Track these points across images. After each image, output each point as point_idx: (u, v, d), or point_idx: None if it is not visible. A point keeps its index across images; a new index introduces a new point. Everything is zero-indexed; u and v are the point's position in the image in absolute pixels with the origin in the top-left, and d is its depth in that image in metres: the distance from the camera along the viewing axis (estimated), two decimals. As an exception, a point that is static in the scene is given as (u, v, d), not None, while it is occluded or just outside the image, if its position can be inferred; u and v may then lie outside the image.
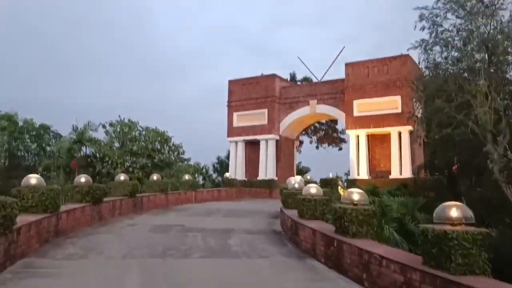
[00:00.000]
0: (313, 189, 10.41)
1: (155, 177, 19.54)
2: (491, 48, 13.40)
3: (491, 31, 13.65)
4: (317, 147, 39.13)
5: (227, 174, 27.66)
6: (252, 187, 29.23)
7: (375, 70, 27.35)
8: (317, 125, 38.07)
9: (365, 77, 27.59)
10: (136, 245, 9.46)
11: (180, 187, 22.10)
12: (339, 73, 31.36)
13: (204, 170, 38.40)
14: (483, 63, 13.20)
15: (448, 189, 18.07)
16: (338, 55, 31.02)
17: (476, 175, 14.68)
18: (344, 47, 31.51)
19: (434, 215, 5.49)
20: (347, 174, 35.20)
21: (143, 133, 25.98)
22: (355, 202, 8.09)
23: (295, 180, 15.86)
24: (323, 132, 38.66)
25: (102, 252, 8.53)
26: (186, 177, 22.57)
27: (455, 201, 5.46)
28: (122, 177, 16.40)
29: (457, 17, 14.13)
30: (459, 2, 13.64)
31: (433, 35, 14.62)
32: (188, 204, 21.28)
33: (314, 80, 32.71)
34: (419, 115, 27.63)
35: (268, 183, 29.82)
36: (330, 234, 8.07)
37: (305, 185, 15.04)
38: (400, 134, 26.38)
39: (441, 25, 14.48)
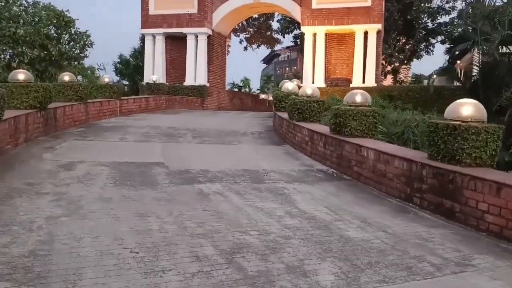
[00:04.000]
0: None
1: (66, 77, 12.58)
2: None
3: None
4: (245, 48, 33.29)
5: (153, 77, 20.85)
6: (178, 95, 23.07)
7: (343, -51, 21.82)
8: (248, 21, 31.76)
9: (329, -42, 22.01)
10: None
11: (96, 94, 15.27)
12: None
13: (89, 72, 30.37)
14: None
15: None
16: None
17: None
18: None
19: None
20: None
21: (30, 10, 17.45)
22: None
23: (310, 88, 10.53)
24: (255, 28, 32.52)
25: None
26: (106, 79, 15.72)
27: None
28: (21, 75, 9.43)
29: None
30: None
31: None
32: (113, 117, 14.85)
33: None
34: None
35: (199, 91, 23.85)
36: None
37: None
38: (366, 34, 21.99)
39: None
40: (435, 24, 32.76)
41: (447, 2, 31.65)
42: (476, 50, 17.89)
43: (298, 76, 68.19)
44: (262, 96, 37.16)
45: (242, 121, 15.75)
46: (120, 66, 31.80)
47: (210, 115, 18.71)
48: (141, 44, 29.39)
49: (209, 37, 24.41)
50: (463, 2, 30.65)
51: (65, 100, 11.96)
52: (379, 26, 21.66)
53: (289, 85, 12.80)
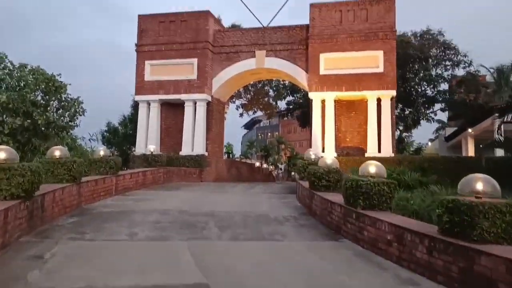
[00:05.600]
0: None
1: (57, 152, 10.31)
2: None
3: None
4: (241, 115, 31.72)
5: (151, 148, 18.64)
6: (175, 166, 20.78)
7: (351, 15, 20.92)
8: (245, 87, 30.41)
9: (337, 23, 21.02)
10: None
11: (89, 169, 12.89)
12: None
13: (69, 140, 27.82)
14: None
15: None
16: (293, -6, 23.77)
17: None
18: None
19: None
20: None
21: (16, 74, 15.31)
22: None
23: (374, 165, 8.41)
24: (252, 94, 31.06)
25: None
26: (101, 152, 13.44)
27: None
28: (1, 154, 7.12)
29: None
30: None
31: None
32: (109, 198, 12.45)
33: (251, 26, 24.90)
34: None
35: (197, 161, 21.66)
36: None
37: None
38: (379, 100, 20.60)
39: None
40: (434, 92, 32.18)
41: (446, 70, 31.28)
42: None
43: (281, 141, 66.87)
44: (257, 164, 35.37)
45: (260, 199, 13.49)
46: (108, 134, 29.60)
47: (216, 190, 16.40)
48: (133, 111, 27.56)
49: (208, 103, 22.70)
50: (465, 70, 30.36)
51: (54, 181, 9.62)
52: (393, 92, 20.41)
53: (327, 160, 10.78)
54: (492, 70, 32.93)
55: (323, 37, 20.99)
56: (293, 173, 57.19)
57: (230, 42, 22.86)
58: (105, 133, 29.65)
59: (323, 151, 20.54)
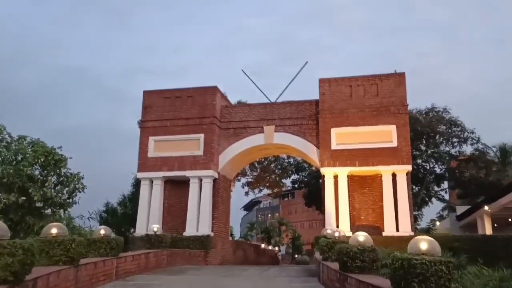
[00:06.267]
0: None
1: (54, 229, 9.04)
2: None
3: None
4: (246, 193, 30.55)
5: (154, 228, 17.18)
6: (178, 247, 19.19)
7: (361, 90, 20.64)
8: (251, 164, 29.58)
9: (347, 98, 20.68)
10: None
11: (87, 250, 11.48)
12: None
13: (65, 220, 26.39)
14: None
15: None
16: (301, 70, 23.69)
17: None
18: (307, 62, 24.06)
19: None
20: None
21: (13, 147, 14.39)
22: None
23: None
24: (258, 171, 30.11)
25: None
26: (102, 231, 12.11)
27: None
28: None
29: None
30: None
31: None
32: (109, 283, 10.94)
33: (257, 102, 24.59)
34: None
35: (202, 242, 20.06)
36: None
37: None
38: (394, 176, 19.66)
39: None
40: (443, 170, 31.43)
41: (453, 147, 30.76)
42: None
43: (283, 223, 64.90)
44: (263, 245, 33.67)
45: (279, 284, 11.98)
46: (106, 215, 28.09)
47: (226, 274, 14.78)
48: (133, 190, 26.39)
49: (214, 180, 21.66)
50: (473, 148, 29.85)
51: (49, 263, 8.29)
52: (408, 167, 19.54)
53: (359, 237, 9.52)
54: (495, 149, 32.63)
55: (334, 112, 20.56)
56: (296, 255, 54.65)
57: (237, 117, 22.39)
58: (103, 214, 28.18)
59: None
